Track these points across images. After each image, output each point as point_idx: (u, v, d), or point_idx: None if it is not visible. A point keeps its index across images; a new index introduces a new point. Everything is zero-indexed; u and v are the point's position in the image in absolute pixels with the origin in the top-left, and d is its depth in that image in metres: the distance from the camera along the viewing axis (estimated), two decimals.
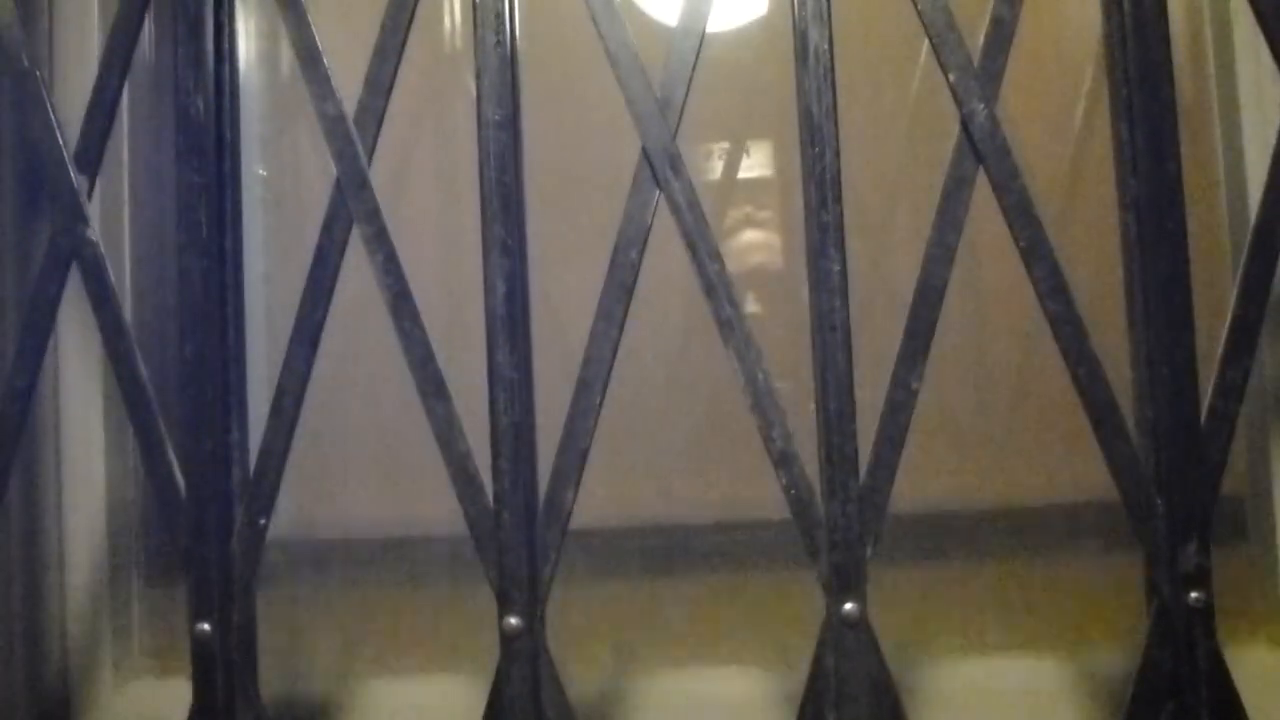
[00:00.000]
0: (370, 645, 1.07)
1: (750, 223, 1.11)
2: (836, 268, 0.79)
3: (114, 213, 1.06)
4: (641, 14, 1.08)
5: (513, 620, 0.80)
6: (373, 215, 0.84)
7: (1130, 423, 0.79)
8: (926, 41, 0.81)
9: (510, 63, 0.83)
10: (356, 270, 0.84)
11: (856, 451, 0.79)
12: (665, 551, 1.06)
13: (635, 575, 1.06)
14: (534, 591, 0.80)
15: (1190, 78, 0.98)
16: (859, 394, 0.79)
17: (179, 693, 0.85)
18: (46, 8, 1.03)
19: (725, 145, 1.12)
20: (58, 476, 1.05)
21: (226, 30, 0.88)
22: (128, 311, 0.89)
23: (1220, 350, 0.79)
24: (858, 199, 0.82)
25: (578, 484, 0.81)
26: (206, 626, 0.83)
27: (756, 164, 1.12)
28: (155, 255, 1.06)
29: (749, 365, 0.80)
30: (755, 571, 1.04)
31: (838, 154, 0.80)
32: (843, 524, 0.78)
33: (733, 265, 0.81)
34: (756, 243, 1.11)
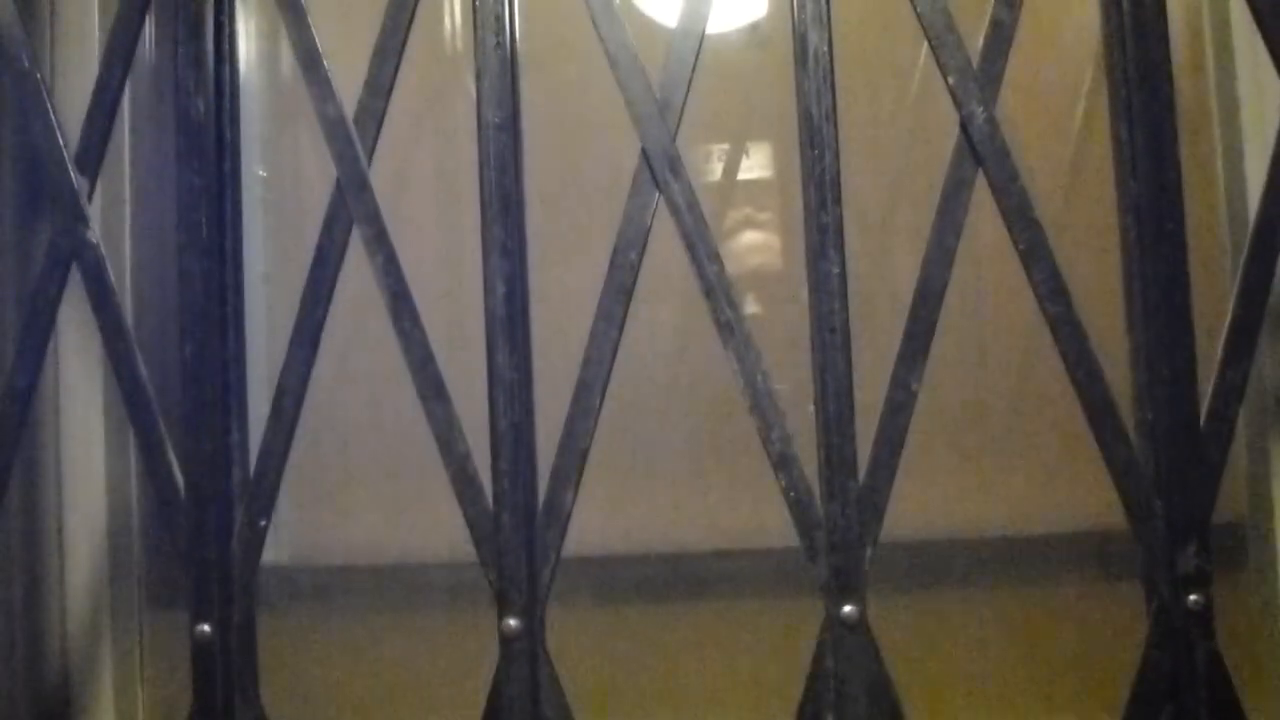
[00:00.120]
0: (371, 672, 1.07)
1: (750, 224, 1.11)
2: (836, 270, 0.79)
3: (115, 213, 1.06)
4: (641, 16, 1.08)
5: (512, 622, 0.80)
6: (373, 216, 0.84)
7: (1130, 424, 0.79)
8: (926, 44, 0.81)
9: (510, 64, 0.83)
10: (356, 271, 0.85)
11: (856, 453, 0.79)
12: (665, 579, 1.06)
13: (635, 603, 1.06)
14: (533, 593, 0.81)
15: (1189, 79, 0.98)
16: (858, 395, 0.79)
17: (179, 693, 0.85)
18: (47, 9, 1.03)
19: (725, 146, 1.12)
20: (58, 476, 1.05)
21: (227, 31, 0.88)
22: (128, 312, 0.89)
23: (1219, 352, 0.79)
24: (857, 201, 0.82)
25: (577, 485, 0.81)
26: (206, 627, 0.83)
27: (756, 165, 1.12)
28: (156, 256, 1.06)
29: (748, 367, 0.80)
30: (756, 599, 1.03)
31: (837, 156, 0.80)
32: (842, 525, 0.79)
33: (732, 266, 0.81)
34: (756, 244, 1.11)
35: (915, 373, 0.79)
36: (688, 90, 0.82)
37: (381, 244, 0.83)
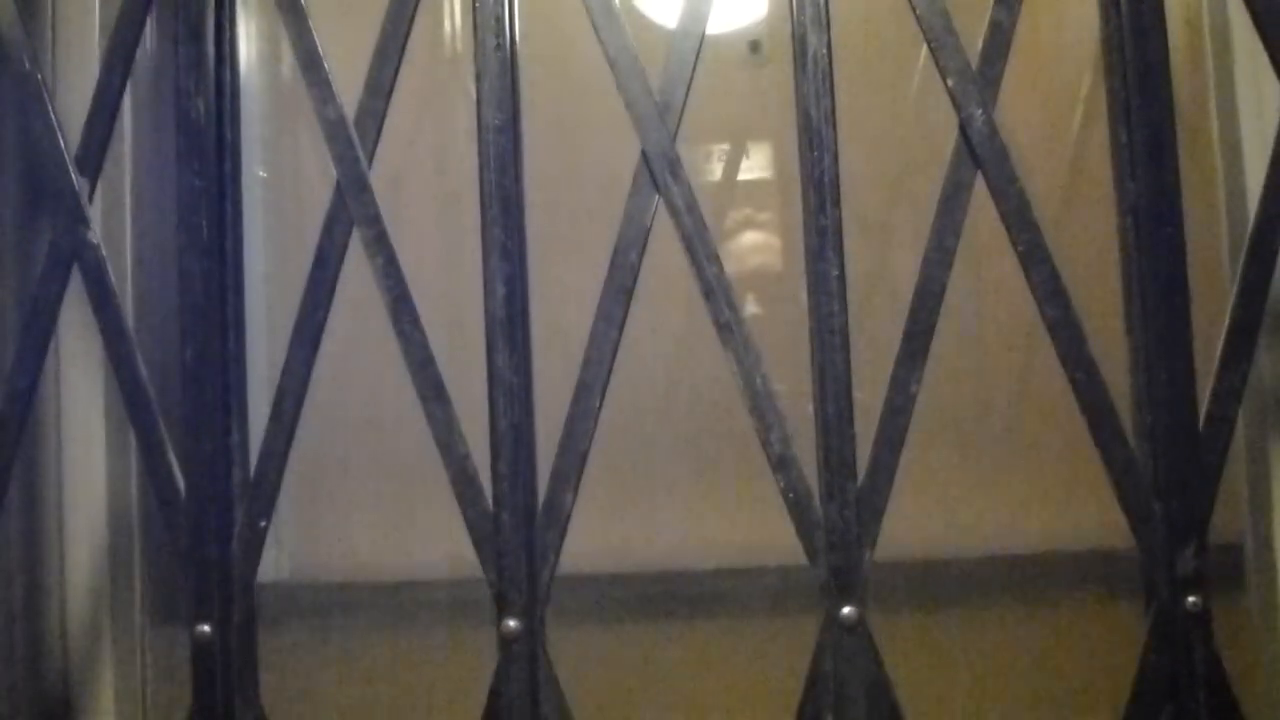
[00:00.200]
0: (371, 689, 1.07)
1: (749, 225, 1.11)
2: (835, 271, 0.80)
3: (115, 214, 1.06)
4: (641, 17, 1.09)
5: (511, 623, 0.80)
6: (373, 218, 0.84)
7: (1129, 426, 0.79)
8: (925, 46, 0.81)
9: (510, 66, 0.83)
10: (357, 272, 0.85)
11: (855, 454, 0.79)
12: (663, 597, 1.06)
13: (632, 621, 1.06)
14: (533, 594, 0.81)
15: (1188, 81, 0.98)
16: (857, 397, 0.79)
17: (179, 693, 0.85)
18: (48, 10, 1.04)
19: (725, 148, 1.12)
20: (58, 477, 1.05)
21: (227, 33, 0.88)
22: (129, 313, 0.89)
23: (1218, 353, 0.79)
24: (857, 203, 0.82)
25: (577, 486, 0.81)
26: (206, 628, 0.83)
27: (756, 167, 1.12)
28: (156, 257, 1.07)
29: (748, 368, 0.80)
30: (756, 617, 1.03)
31: (836, 158, 0.80)
32: (841, 527, 0.79)
33: (731, 267, 0.82)
34: (756, 245, 1.11)
35: (914, 374, 0.79)
36: (687, 92, 0.82)
37: (381, 245, 0.84)
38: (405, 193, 1.11)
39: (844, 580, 0.78)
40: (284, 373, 0.84)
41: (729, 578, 1.05)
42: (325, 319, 0.84)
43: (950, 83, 0.80)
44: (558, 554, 0.81)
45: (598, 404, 0.81)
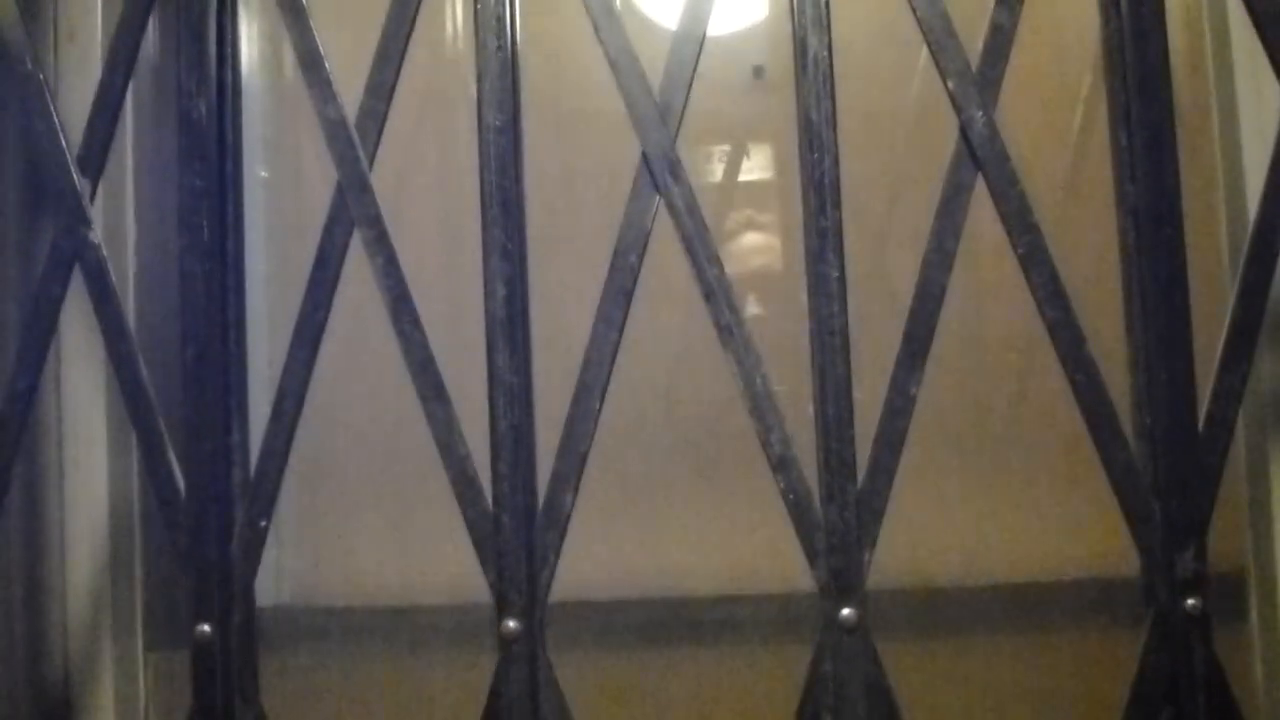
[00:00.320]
0: (371, 713, 1.07)
1: (750, 226, 1.11)
2: (835, 273, 0.80)
3: (117, 215, 1.06)
4: (642, 19, 1.09)
5: (511, 623, 0.80)
6: (373, 218, 0.84)
7: (1128, 428, 0.79)
8: (926, 48, 0.81)
9: (511, 67, 0.83)
10: (357, 272, 0.85)
11: (855, 456, 0.79)
12: (665, 624, 1.06)
13: (634, 647, 1.06)
14: (532, 594, 0.81)
15: (1188, 84, 0.98)
16: (857, 398, 0.79)
17: (180, 693, 0.85)
18: (50, 11, 1.04)
19: (725, 149, 1.12)
20: (60, 477, 1.06)
21: (229, 34, 0.88)
22: (130, 313, 0.90)
23: (1218, 355, 0.79)
24: (857, 205, 0.82)
25: (577, 487, 0.81)
26: (206, 627, 0.83)
27: (756, 168, 1.12)
28: (157, 257, 1.07)
29: (748, 369, 0.80)
30: (755, 645, 1.03)
31: (836, 160, 0.80)
32: (840, 528, 0.79)
33: (732, 268, 0.82)
34: (756, 246, 1.11)
35: (914, 375, 0.79)
36: (688, 94, 0.82)
37: (382, 246, 0.84)
38: (406, 193, 1.11)
39: (844, 582, 0.78)
40: (284, 373, 0.84)
41: (731, 604, 1.05)
42: (326, 319, 0.84)
43: (951, 84, 0.80)
44: (558, 555, 0.81)
45: (598, 405, 0.81)
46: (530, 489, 0.82)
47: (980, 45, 0.81)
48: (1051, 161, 1.05)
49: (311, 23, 0.86)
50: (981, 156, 0.80)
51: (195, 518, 0.85)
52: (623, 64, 0.82)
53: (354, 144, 0.84)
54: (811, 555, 0.79)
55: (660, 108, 0.82)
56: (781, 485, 0.79)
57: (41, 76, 0.89)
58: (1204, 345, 0.79)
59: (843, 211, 0.80)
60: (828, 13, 0.81)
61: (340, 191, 0.84)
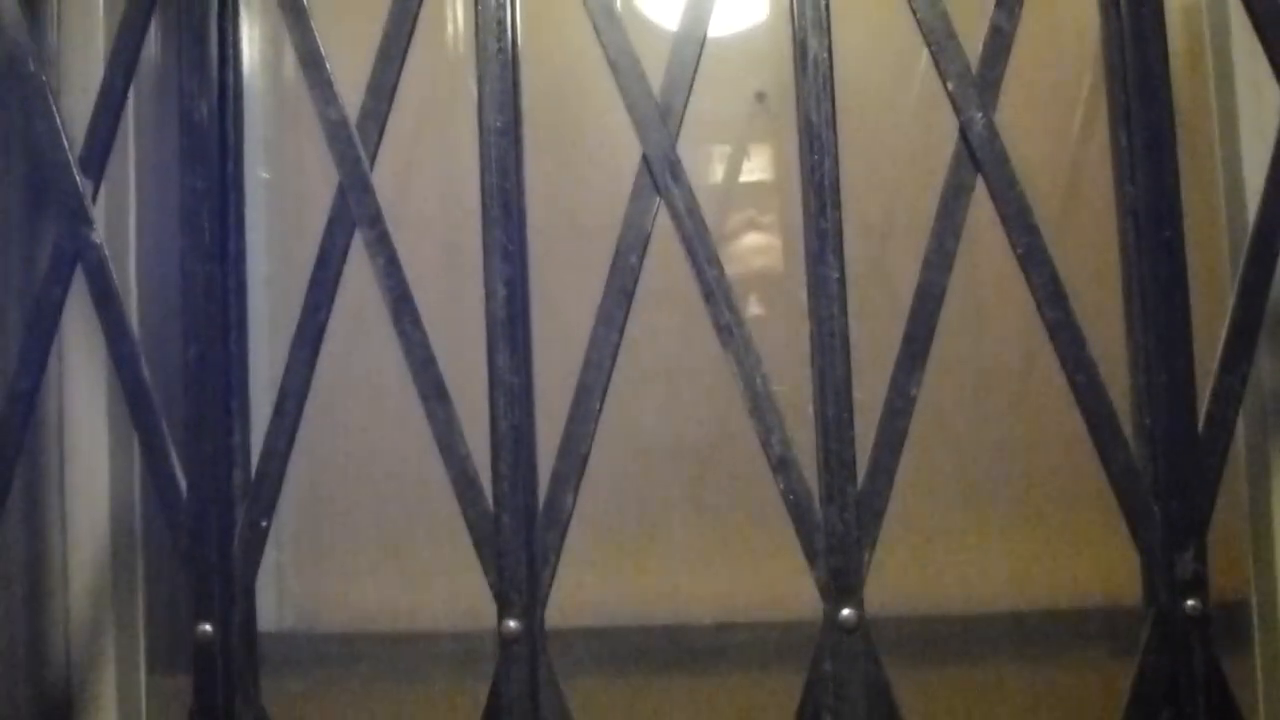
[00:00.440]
0: None
1: (750, 227, 1.11)
2: (835, 274, 0.80)
3: (118, 215, 1.07)
4: (643, 20, 1.09)
5: (511, 623, 0.80)
6: (374, 219, 0.84)
7: (1128, 429, 0.79)
8: (926, 49, 0.81)
9: (512, 68, 0.84)
10: (359, 272, 0.85)
11: (855, 457, 0.79)
12: (667, 651, 1.06)
13: (637, 675, 1.06)
14: (533, 594, 0.81)
15: (1188, 85, 0.98)
16: (857, 399, 0.79)
17: (181, 693, 0.86)
18: (52, 12, 1.04)
19: (726, 150, 1.12)
20: (61, 477, 1.06)
21: (230, 35, 0.88)
22: (132, 313, 0.90)
23: (1218, 355, 0.79)
24: (857, 206, 0.82)
25: (577, 488, 0.81)
26: (208, 627, 0.84)
27: (757, 169, 1.12)
28: (159, 258, 1.07)
29: (748, 370, 0.80)
30: (757, 673, 1.03)
31: (836, 161, 0.80)
32: (840, 529, 0.79)
33: (732, 269, 0.82)
34: (756, 247, 1.11)
35: (914, 376, 0.79)
36: (688, 95, 0.82)
37: (383, 246, 0.84)
38: (407, 194, 1.11)
39: (843, 582, 0.78)
40: (286, 373, 0.84)
41: (732, 632, 1.05)
42: (327, 319, 0.85)
43: (951, 86, 0.80)
44: (558, 555, 0.81)
45: (598, 406, 0.81)
46: (531, 489, 0.82)
47: (980, 46, 0.81)
48: (1051, 162, 1.05)
49: (313, 24, 0.86)
50: (981, 158, 0.80)
51: (196, 518, 0.85)
52: (623, 65, 0.82)
53: (355, 145, 0.84)
54: (811, 555, 0.79)
55: (661, 109, 0.82)
56: (781, 486, 0.79)
57: (44, 78, 0.89)
58: (1204, 346, 0.79)
59: (842, 212, 0.80)
60: (828, 14, 0.81)
61: (341, 192, 0.85)
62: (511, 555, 0.81)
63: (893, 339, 0.80)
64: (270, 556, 0.90)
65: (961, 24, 0.80)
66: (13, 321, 0.98)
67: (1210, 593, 0.77)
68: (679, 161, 0.82)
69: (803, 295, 0.81)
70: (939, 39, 0.81)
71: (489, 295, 0.82)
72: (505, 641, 0.80)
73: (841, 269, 0.80)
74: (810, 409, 0.80)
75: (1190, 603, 0.77)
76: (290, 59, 1.12)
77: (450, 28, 1.14)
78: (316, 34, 0.86)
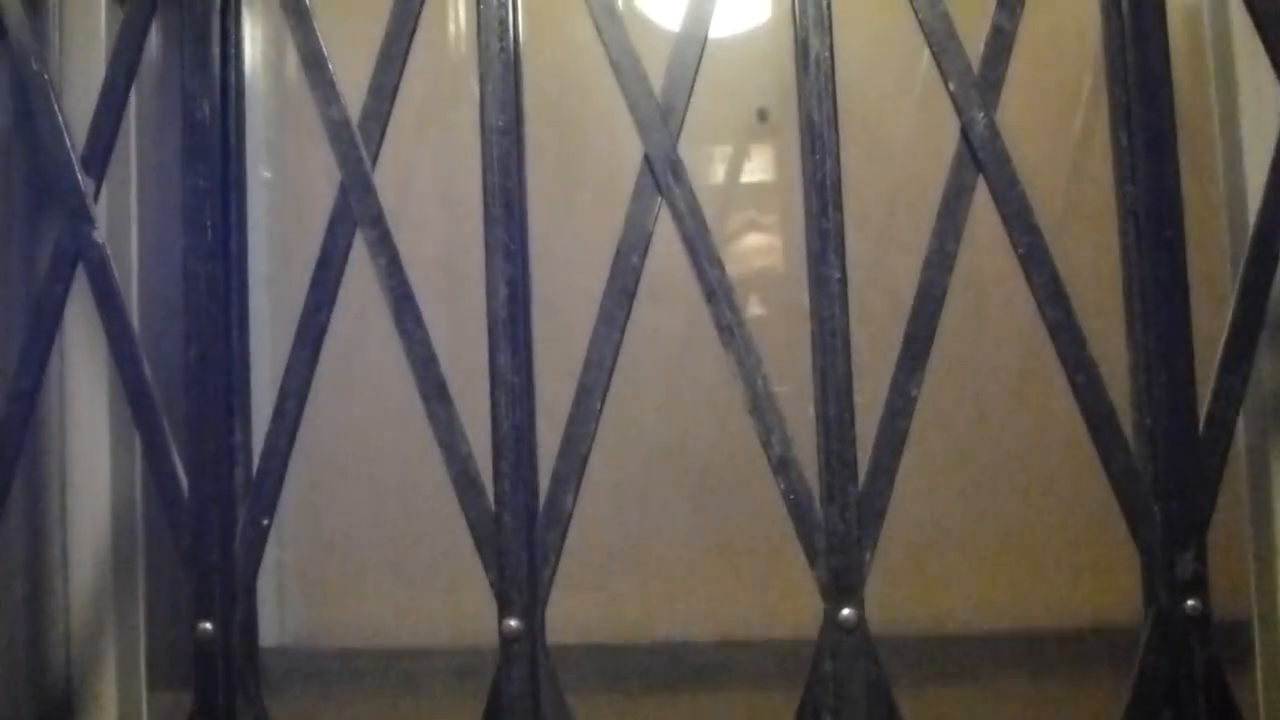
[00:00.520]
0: None
1: (752, 227, 1.11)
2: (836, 274, 0.80)
3: (121, 214, 1.07)
4: (644, 20, 1.09)
5: (512, 622, 0.80)
6: (376, 219, 0.84)
7: (1129, 429, 0.79)
8: (927, 49, 0.81)
9: (514, 68, 0.84)
10: (360, 272, 0.85)
11: (855, 457, 0.79)
12: (668, 669, 1.06)
13: (637, 692, 1.06)
14: (534, 593, 0.81)
15: (1189, 85, 0.98)
16: (858, 399, 0.79)
17: (181, 692, 0.86)
18: (55, 11, 1.04)
19: (728, 149, 1.12)
20: (62, 476, 1.06)
21: (232, 35, 0.88)
22: (133, 312, 0.90)
23: (1219, 356, 0.79)
24: (858, 206, 0.82)
25: (578, 487, 0.81)
26: (208, 626, 0.84)
27: (758, 169, 1.13)
28: (161, 257, 1.07)
29: (749, 370, 0.80)
30: (757, 690, 1.03)
31: (838, 161, 0.80)
32: (841, 529, 0.79)
33: (733, 269, 0.82)
34: (757, 247, 1.11)
35: (915, 377, 0.79)
36: (689, 95, 0.82)
37: (385, 246, 0.84)
38: (409, 194, 1.11)
39: (844, 582, 0.79)
40: (287, 372, 0.85)
41: (733, 650, 1.04)
42: (328, 319, 0.85)
43: (952, 86, 0.80)
44: (559, 554, 0.81)
45: (599, 406, 0.81)
46: (532, 489, 0.82)
47: (982, 47, 0.81)
48: (1052, 163, 1.05)
49: (315, 24, 0.86)
50: (983, 158, 0.80)
51: (198, 517, 0.85)
52: (625, 65, 0.82)
53: (357, 144, 0.85)
54: (812, 555, 0.79)
55: (662, 109, 0.82)
56: (782, 486, 0.79)
57: (46, 76, 0.89)
58: (1205, 346, 0.79)
59: (844, 213, 0.80)
60: (829, 14, 0.81)
61: (343, 191, 0.85)
62: (512, 555, 0.81)
63: (894, 339, 0.80)
64: (271, 554, 0.90)
65: (962, 24, 0.80)
66: (15, 320, 0.99)
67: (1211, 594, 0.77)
68: (680, 161, 0.82)
69: (804, 295, 0.81)
70: (940, 39, 0.81)
71: (490, 295, 0.82)
72: (506, 640, 0.80)
73: (843, 269, 0.80)
74: (811, 409, 0.80)
75: (1190, 603, 0.77)
76: (293, 59, 1.12)
77: (452, 27, 1.14)
78: (319, 34, 0.86)
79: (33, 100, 0.89)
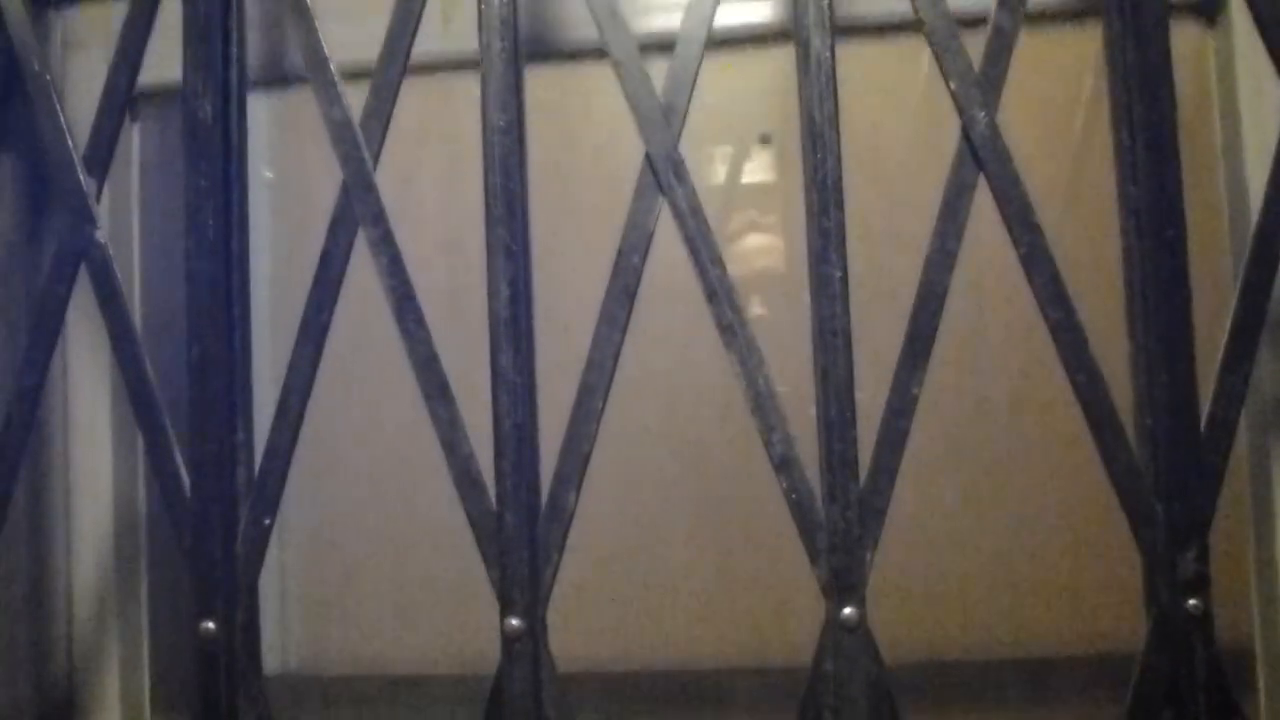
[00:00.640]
0: None
1: (753, 227, 1.11)
2: (838, 274, 0.80)
3: (123, 214, 1.07)
4: (646, 20, 1.09)
5: (514, 621, 0.80)
6: (378, 218, 0.84)
7: (1130, 429, 0.79)
8: (929, 49, 0.81)
9: (515, 68, 0.84)
10: (362, 272, 0.85)
11: (857, 456, 0.79)
12: (672, 695, 1.06)
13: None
14: (535, 593, 0.81)
15: (1190, 85, 0.98)
16: (859, 399, 0.79)
17: (183, 691, 0.86)
18: (57, 11, 1.04)
19: (729, 149, 1.12)
20: (65, 475, 1.06)
21: (234, 35, 0.89)
22: (135, 312, 0.90)
23: (1220, 356, 0.79)
24: (859, 205, 0.82)
25: (579, 487, 0.81)
26: (211, 625, 0.84)
27: (760, 169, 1.13)
28: (163, 256, 1.07)
29: (750, 370, 0.80)
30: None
31: (839, 160, 0.80)
32: (842, 528, 0.79)
33: (734, 269, 0.82)
34: (759, 247, 1.11)
35: (916, 376, 0.79)
36: (691, 94, 0.82)
37: (386, 245, 0.84)
38: (410, 193, 1.11)
39: (845, 581, 0.79)
40: (289, 372, 0.85)
41: (738, 677, 1.04)
42: (330, 319, 0.85)
43: (953, 85, 0.80)
44: (560, 553, 0.81)
45: (600, 405, 0.81)
46: (533, 488, 0.82)
47: (983, 46, 0.81)
48: (1054, 162, 1.05)
49: (316, 23, 0.86)
50: (984, 157, 0.80)
51: (200, 515, 0.85)
52: (626, 65, 0.82)
53: (359, 144, 0.85)
54: (813, 555, 0.79)
55: (664, 109, 0.82)
56: (784, 485, 0.79)
57: (48, 76, 0.90)
58: (1206, 346, 0.79)
59: (845, 212, 0.80)
60: (830, 13, 0.81)
61: (345, 191, 0.85)
62: (514, 554, 0.81)
63: (895, 339, 0.80)
64: (272, 552, 0.90)
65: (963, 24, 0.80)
66: (17, 319, 0.99)
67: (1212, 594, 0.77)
68: (682, 161, 0.82)
69: (805, 295, 0.81)
70: (942, 38, 0.81)
71: (492, 294, 0.82)
72: (508, 640, 0.81)
73: (844, 268, 0.80)
74: (812, 409, 0.80)
75: (1192, 602, 0.77)
76: (294, 58, 1.12)
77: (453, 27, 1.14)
78: (320, 34, 0.86)
79: (34, 100, 0.89)
